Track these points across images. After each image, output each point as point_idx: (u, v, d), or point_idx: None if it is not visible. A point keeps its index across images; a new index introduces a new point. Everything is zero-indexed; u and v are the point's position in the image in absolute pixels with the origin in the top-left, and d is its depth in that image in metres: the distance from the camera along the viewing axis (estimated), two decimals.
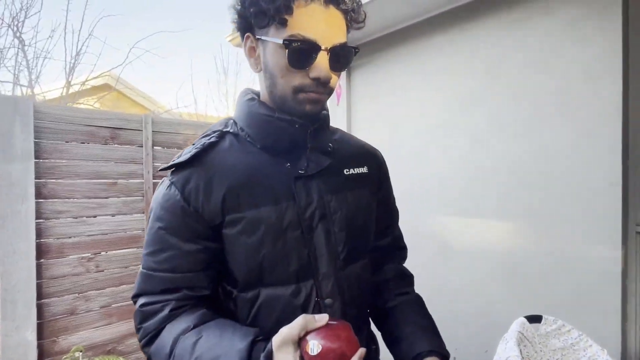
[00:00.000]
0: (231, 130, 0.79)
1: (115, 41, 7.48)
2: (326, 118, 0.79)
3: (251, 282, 0.73)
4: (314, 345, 0.58)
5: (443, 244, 2.08)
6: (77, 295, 2.18)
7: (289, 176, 0.75)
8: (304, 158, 0.76)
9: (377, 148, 0.96)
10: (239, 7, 0.72)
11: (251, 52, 0.75)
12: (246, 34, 0.74)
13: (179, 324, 0.68)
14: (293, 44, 0.66)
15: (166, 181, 0.73)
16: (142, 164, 2.42)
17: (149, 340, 0.70)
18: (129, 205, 2.38)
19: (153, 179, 2.45)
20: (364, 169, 0.85)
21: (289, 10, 0.66)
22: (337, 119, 2.66)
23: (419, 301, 0.92)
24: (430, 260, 2.13)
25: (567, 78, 1.59)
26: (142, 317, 0.71)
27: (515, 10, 1.76)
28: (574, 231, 1.58)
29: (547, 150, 1.65)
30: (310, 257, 0.74)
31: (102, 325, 2.27)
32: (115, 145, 2.33)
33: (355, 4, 0.72)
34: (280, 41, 0.67)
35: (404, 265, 1.00)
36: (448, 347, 0.83)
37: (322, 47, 0.67)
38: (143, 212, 2.42)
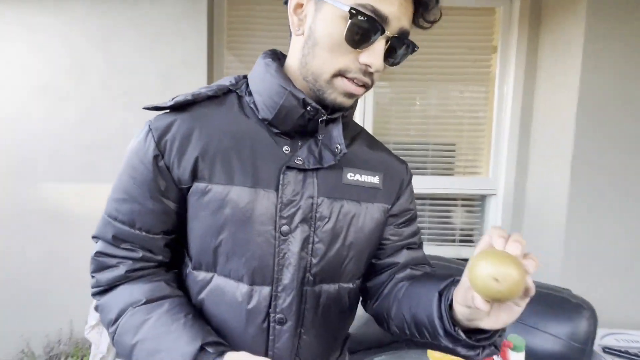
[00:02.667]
0: (237, 91, 0.67)
1: None
2: (349, 113, 0.66)
3: (204, 264, 0.63)
4: None
5: (57, 214, 1.96)
6: None
7: (281, 162, 0.62)
8: (306, 148, 0.63)
9: (404, 160, 0.78)
10: None
11: (297, 8, 0.60)
12: None
13: (131, 290, 0.62)
14: (360, 16, 0.53)
15: (146, 126, 0.62)
16: None
17: (99, 292, 0.64)
18: None
19: None
20: (375, 180, 0.68)
21: None
22: None
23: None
24: (45, 236, 1.95)
25: (169, 62, 1.90)
26: (97, 266, 0.64)
27: None
28: None
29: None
30: (274, 262, 0.61)
31: None
32: None
33: None
34: (347, 8, 0.53)
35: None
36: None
37: (387, 32, 0.55)
38: None
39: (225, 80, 0.68)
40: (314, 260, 0.63)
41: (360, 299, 0.76)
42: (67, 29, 1.89)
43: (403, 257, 0.72)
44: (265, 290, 0.61)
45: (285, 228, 0.61)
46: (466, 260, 2.01)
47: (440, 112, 2.12)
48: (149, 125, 0.62)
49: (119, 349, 0.61)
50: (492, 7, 2.03)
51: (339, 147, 0.63)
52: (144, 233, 0.62)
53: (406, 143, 2.14)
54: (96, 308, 0.65)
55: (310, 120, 0.62)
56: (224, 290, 0.62)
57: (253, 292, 0.61)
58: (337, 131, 0.63)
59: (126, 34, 1.89)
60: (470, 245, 2.20)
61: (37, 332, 1.99)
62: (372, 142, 0.75)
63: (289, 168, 0.61)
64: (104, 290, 0.64)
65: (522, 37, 1.95)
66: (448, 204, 2.19)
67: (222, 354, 0.54)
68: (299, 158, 0.62)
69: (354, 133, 0.73)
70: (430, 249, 2.12)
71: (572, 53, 1.71)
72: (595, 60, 1.65)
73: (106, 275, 0.63)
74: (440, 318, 0.55)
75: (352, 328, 1.72)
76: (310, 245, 0.62)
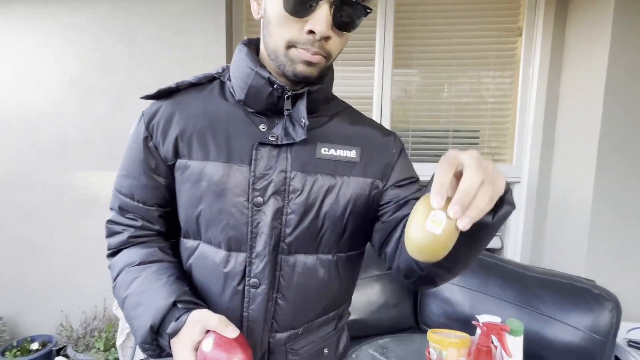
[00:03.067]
0: (220, 77, 0.74)
1: None
2: (319, 89, 0.68)
3: (190, 232, 0.71)
4: (208, 343, 0.56)
5: (89, 200, 2.10)
6: None
7: (256, 139, 0.66)
8: (280, 125, 0.67)
9: (392, 131, 0.78)
10: None
11: None
12: None
13: (130, 254, 0.70)
14: None
15: (141, 113, 0.72)
16: None
17: (110, 254, 0.74)
18: None
19: None
20: (352, 154, 0.70)
21: None
22: None
23: None
24: (78, 219, 2.10)
25: (189, 55, 1.96)
26: (108, 232, 0.75)
27: None
28: None
29: None
30: (248, 230, 0.66)
31: None
32: None
33: None
34: None
35: None
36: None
37: None
38: None
39: (213, 70, 0.75)
40: (287, 231, 0.66)
41: (390, 267, 0.73)
42: (96, 26, 1.99)
43: (410, 205, 0.69)
44: (241, 256, 0.66)
45: (258, 200, 0.65)
46: (490, 250, 1.97)
47: (464, 97, 2.06)
48: (142, 112, 0.71)
49: (118, 302, 0.69)
50: None
51: (303, 120, 0.65)
52: (141, 204, 0.71)
53: (428, 130, 2.10)
54: (109, 267, 0.74)
55: (280, 98, 0.66)
56: (206, 255, 0.68)
57: (230, 257, 0.66)
58: (302, 106, 0.66)
59: (149, 29, 1.97)
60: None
61: (74, 308, 2.16)
62: (355, 118, 0.76)
63: (261, 144, 0.65)
64: (112, 253, 0.74)
65: (548, 18, 1.85)
66: None
67: (189, 310, 0.60)
68: (273, 135, 0.66)
69: (336, 110, 0.75)
70: None
71: (600, 34, 1.61)
72: (624, 41, 1.55)
73: (114, 240, 0.73)
74: None
75: (366, 314, 1.79)
76: (283, 217, 0.65)
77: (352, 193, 0.69)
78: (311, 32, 0.58)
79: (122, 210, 0.72)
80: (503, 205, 0.49)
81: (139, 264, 0.68)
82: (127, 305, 0.65)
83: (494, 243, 2.12)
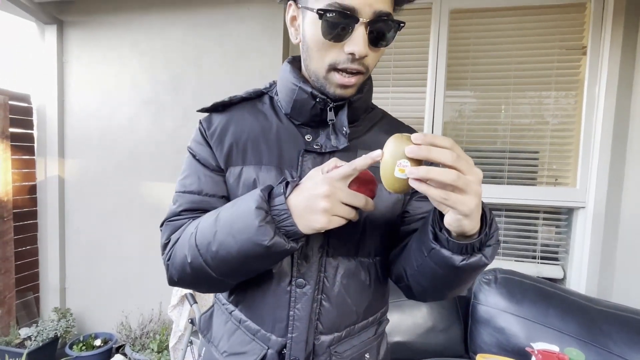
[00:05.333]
0: (269, 92, 0.80)
1: None
2: (359, 98, 0.72)
3: None
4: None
5: (154, 209, 2.27)
6: None
7: (302, 148, 0.71)
8: (324, 135, 0.72)
9: None
10: None
11: (292, 20, 0.71)
12: (288, 1, 0.70)
13: (196, 220, 0.69)
14: (328, 14, 0.61)
15: (199, 123, 0.77)
16: None
17: (173, 244, 0.71)
18: None
19: None
20: None
21: None
22: (48, 75, 2.38)
23: None
24: (143, 226, 2.29)
25: (249, 76, 2.10)
26: (171, 229, 0.73)
27: (219, 11, 2.14)
28: None
29: None
30: None
31: None
32: None
33: None
34: (315, 10, 0.62)
35: None
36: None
37: (361, 19, 0.61)
38: None
39: (262, 85, 0.82)
40: (330, 233, 0.67)
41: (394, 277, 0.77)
42: (168, 50, 2.21)
43: (421, 223, 0.72)
44: (288, 257, 0.68)
45: None
46: (550, 279, 1.83)
47: (522, 118, 1.99)
48: (200, 121, 0.78)
49: (204, 253, 0.64)
50: (582, 3, 1.86)
51: (345, 129, 0.69)
52: (207, 196, 0.73)
53: (483, 150, 2.04)
54: (167, 258, 0.71)
55: (323, 109, 0.70)
56: None
57: None
58: (344, 116, 0.70)
59: (214, 52, 2.15)
60: (554, 263, 2.00)
61: (134, 309, 2.31)
62: (394, 126, 0.80)
63: (307, 151, 0.70)
64: (175, 242, 0.72)
65: (617, 33, 1.75)
66: (529, 217, 2.03)
67: (287, 184, 0.61)
68: (317, 143, 0.71)
69: (375, 120, 0.80)
70: (506, 264, 1.98)
71: None
72: None
73: (178, 231, 0.72)
74: (432, 225, 0.58)
75: (411, 336, 1.72)
76: None
77: (389, 198, 0.72)
78: (351, 53, 0.62)
79: (185, 210, 0.73)
80: (476, 254, 0.54)
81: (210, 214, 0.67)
82: (221, 231, 0.62)
83: (554, 273, 1.97)
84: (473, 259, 0.54)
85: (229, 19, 2.12)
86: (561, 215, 2.01)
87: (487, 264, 0.56)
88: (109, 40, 2.29)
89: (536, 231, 2.03)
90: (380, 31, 0.63)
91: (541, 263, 2.02)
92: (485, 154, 2.04)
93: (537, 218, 2.02)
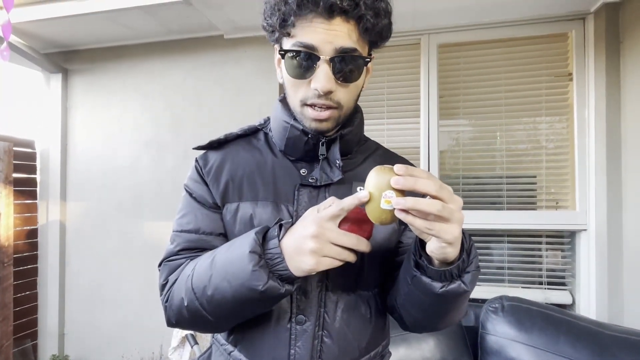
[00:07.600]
0: (263, 129, 0.81)
1: None
2: (350, 131, 0.74)
3: None
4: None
5: (155, 248, 2.26)
6: None
7: (298, 182, 0.73)
8: (319, 169, 0.73)
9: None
10: (262, 21, 0.71)
11: (278, 62, 0.73)
12: (274, 45, 0.73)
13: (193, 261, 0.70)
14: (289, 54, 0.65)
15: (194, 160, 0.79)
16: None
17: (170, 285, 0.71)
18: None
19: None
20: None
21: (288, 23, 0.64)
22: (52, 121, 2.45)
23: None
24: (144, 267, 2.27)
25: (247, 114, 2.16)
26: (169, 270, 0.72)
27: (217, 53, 2.23)
28: None
29: None
30: None
31: None
32: None
33: (370, 11, 0.63)
34: (281, 52, 0.67)
35: None
36: None
37: (322, 57, 0.63)
38: None
39: (256, 122, 0.84)
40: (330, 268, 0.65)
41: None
42: (169, 91, 2.29)
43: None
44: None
45: None
46: (559, 305, 1.79)
47: (517, 144, 2.02)
48: (196, 159, 0.79)
49: (200, 295, 0.64)
50: (564, 32, 1.94)
51: (338, 162, 0.71)
52: (204, 235, 0.73)
53: (480, 177, 2.06)
54: (165, 299, 0.71)
55: (315, 145, 0.72)
56: None
57: None
58: (336, 149, 0.72)
59: (214, 91, 2.22)
60: (562, 289, 1.96)
61: (134, 353, 2.25)
62: (387, 158, 0.82)
63: (302, 185, 0.72)
64: (173, 283, 0.72)
65: (600, 59, 1.82)
66: (532, 242, 2.01)
67: (280, 226, 0.62)
68: (312, 177, 0.72)
69: (369, 152, 0.81)
70: (513, 291, 1.94)
71: None
72: None
73: (176, 272, 0.72)
74: (413, 253, 0.60)
75: None
76: None
77: (386, 230, 0.72)
78: (315, 89, 0.64)
79: (182, 250, 0.73)
80: (455, 281, 0.56)
81: (207, 255, 0.68)
82: (216, 275, 0.62)
83: (563, 298, 1.93)
84: (452, 286, 0.56)
85: (227, 61, 2.21)
86: (564, 239, 1.99)
87: (467, 291, 0.57)
88: (112, 85, 2.38)
89: (540, 256, 2.01)
90: (347, 67, 0.64)
91: (548, 289, 1.98)
92: (483, 180, 2.06)
93: (540, 243, 2.00)
